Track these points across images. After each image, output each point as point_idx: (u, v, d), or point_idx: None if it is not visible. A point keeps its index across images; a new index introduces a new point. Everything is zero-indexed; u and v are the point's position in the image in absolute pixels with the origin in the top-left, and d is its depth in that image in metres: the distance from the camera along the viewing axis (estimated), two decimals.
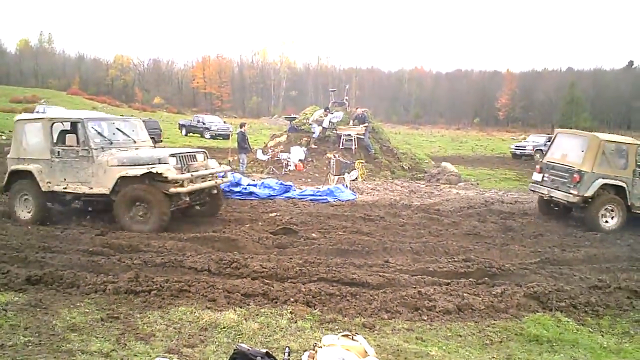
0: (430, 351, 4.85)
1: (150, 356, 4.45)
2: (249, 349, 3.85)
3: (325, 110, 21.70)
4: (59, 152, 9.86)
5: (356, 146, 20.39)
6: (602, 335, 5.58)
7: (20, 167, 10.16)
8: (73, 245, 8.04)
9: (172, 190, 9.40)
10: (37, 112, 33.30)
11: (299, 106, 60.06)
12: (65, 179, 9.83)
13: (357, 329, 5.27)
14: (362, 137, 20.54)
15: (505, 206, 14.11)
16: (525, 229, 10.99)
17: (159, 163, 9.53)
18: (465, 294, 6.37)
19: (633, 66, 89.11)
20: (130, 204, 9.41)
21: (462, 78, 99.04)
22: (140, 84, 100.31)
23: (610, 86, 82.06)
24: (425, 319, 5.73)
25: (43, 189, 9.88)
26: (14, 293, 5.87)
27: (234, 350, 3.92)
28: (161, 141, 28.76)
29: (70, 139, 9.79)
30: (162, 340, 4.84)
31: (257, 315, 5.52)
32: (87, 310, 5.48)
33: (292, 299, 5.98)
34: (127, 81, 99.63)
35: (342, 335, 4.29)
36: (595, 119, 75.72)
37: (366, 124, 20.79)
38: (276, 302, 5.92)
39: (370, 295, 6.22)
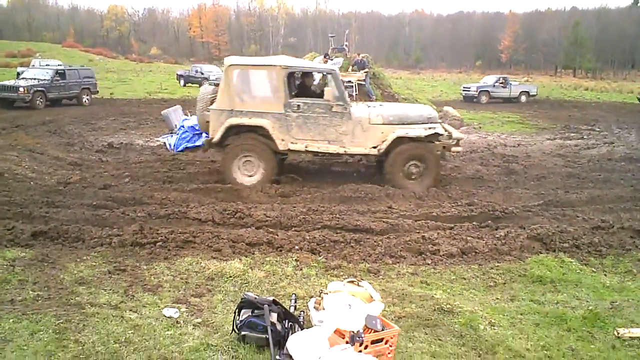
0: (434, 294, 4.90)
1: (158, 307, 4.51)
2: (255, 297, 3.91)
3: (324, 57, 21.37)
4: (298, 105, 8.78)
5: (357, 92, 20.18)
6: (605, 275, 5.64)
7: (248, 121, 8.81)
8: (77, 200, 8.04)
9: (454, 149, 9.18)
10: (33, 66, 32.88)
11: (298, 53, 59.15)
12: (305, 137, 8.86)
13: (362, 274, 5.32)
14: (362, 83, 20.30)
15: (508, 149, 14.10)
16: (528, 171, 10.98)
17: (429, 122, 8.98)
18: (468, 238, 6.41)
19: (638, 4, 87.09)
20: (404, 163, 8.91)
21: (464, 20, 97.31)
22: (136, 34, 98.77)
23: (614, 25, 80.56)
24: (430, 262, 5.78)
25: (280, 148, 8.87)
26: (20, 249, 5.89)
27: (241, 298, 3.98)
28: (97, 91, 26.08)
29: (328, 92, 8.75)
30: (169, 290, 4.89)
31: (263, 263, 5.57)
32: (94, 264, 5.52)
33: (296, 247, 6.03)
34: (122, 32, 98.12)
35: (348, 282, 4.36)
36: (599, 59, 74.66)
37: (366, 70, 20.52)
38: (281, 251, 5.97)
39: (374, 241, 6.26)
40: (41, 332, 3.97)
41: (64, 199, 8.07)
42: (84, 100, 24.38)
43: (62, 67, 25.26)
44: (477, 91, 32.92)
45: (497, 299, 4.95)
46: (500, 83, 33.51)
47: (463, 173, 10.58)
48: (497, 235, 6.54)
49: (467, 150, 13.52)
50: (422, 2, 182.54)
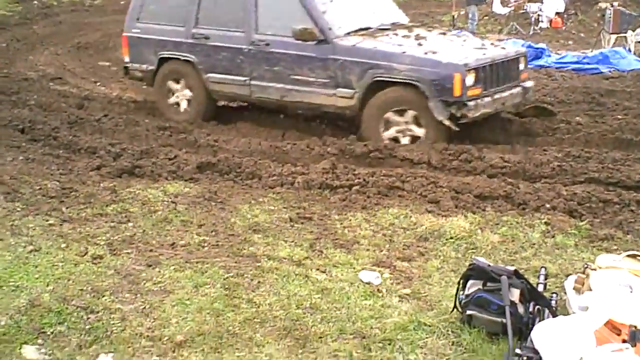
0: None
1: (354, 268, 4.64)
2: (489, 265, 3.85)
3: None
4: None
5: None
6: None
7: None
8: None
9: None
10: None
11: None
12: None
13: None
14: None
15: None
16: None
17: None
18: None
19: None
20: None
21: None
22: None
23: None
24: None
25: None
26: (183, 183, 6.42)
27: (470, 265, 3.94)
28: None
29: None
30: (368, 249, 5.01)
31: (497, 224, 5.49)
32: (272, 208, 5.84)
33: (547, 206, 5.86)
34: None
35: (627, 255, 4.12)
36: None
37: None
38: (524, 209, 5.85)
39: None
40: (207, 286, 4.31)
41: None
42: None
43: None
44: None
45: None
46: None
47: None
48: None
49: None
50: None
